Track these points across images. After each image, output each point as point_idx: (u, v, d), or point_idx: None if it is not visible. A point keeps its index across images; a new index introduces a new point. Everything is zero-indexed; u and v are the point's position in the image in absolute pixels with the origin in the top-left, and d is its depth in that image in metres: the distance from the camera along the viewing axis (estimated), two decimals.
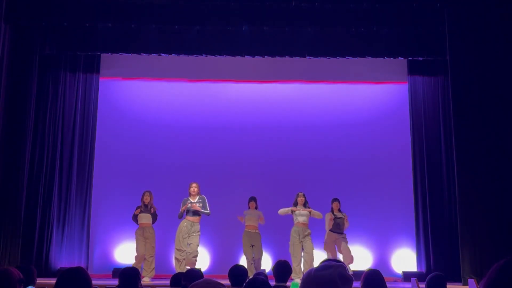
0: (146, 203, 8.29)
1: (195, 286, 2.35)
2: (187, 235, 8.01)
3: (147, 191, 8.38)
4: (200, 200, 8.17)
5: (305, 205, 8.23)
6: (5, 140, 8.13)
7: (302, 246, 8.04)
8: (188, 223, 8.06)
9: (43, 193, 8.82)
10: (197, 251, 8.03)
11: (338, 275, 1.74)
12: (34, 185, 8.74)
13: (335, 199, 8.46)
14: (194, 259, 7.98)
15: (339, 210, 8.42)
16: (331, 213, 8.38)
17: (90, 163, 9.24)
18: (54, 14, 8.18)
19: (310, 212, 8.19)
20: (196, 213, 8.12)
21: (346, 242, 8.27)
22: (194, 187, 8.23)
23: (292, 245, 8.06)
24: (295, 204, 8.27)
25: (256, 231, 8.31)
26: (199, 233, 8.09)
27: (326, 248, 8.25)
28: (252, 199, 8.47)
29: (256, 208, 8.44)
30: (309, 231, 8.12)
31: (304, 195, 8.27)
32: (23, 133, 8.45)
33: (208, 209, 8.18)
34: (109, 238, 9.12)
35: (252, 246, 8.18)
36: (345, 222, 8.38)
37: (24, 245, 8.30)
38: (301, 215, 8.15)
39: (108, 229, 9.12)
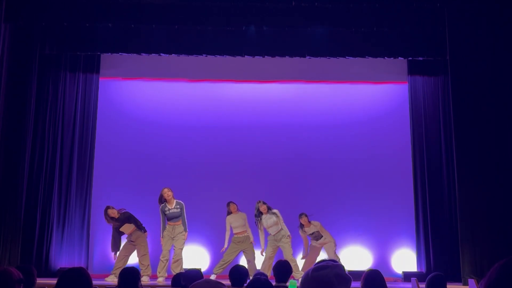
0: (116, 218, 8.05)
1: (195, 286, 2.36)
2: (170, 238, 7.82)
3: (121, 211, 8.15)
4: (178, 206, 7.92)
5: (268, 210, 7.93)
6: (5, 140, 8.13)
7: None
8: (169, 227, 7.88)
9: (43, 193, 8.81)
10: (180, 255, 7.78)
11: (335, 275, 1.74)
12: (34, 185, 8.73)
13: (301, 214, 8.12)
14: (175, 263, 7.70)
15: (309, 222, 8.10)
16: (300, 229, 8.12)
17: (90, 163, 9.23)
18: (54, 14, 8.17)
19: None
20: (176, 217, 7.86)
21: (334, 247, 8.08)
22: (167, 192, 7.87)
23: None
24: (259, 215, 7.92)
25: (245, 234, 7.99)
26: (184, 234, 7.86)
27: (305, 260, 8.06)
28: (230, 202, 8.15)
29: (237, 210, 8.12)
30: (284, 234, 7.83)
31: (264, 202, 7.99)
32: (23, 133, 8.44)
33: (185, 220, 7.93)
34: (109, 238, 9.08)
35: (243, 251, 7.94)
36: (322, 231, 8.08)
37: (24, 245, 8.29)
38: (269, 226, 7.89)
39: (108, 229, 9.07)
